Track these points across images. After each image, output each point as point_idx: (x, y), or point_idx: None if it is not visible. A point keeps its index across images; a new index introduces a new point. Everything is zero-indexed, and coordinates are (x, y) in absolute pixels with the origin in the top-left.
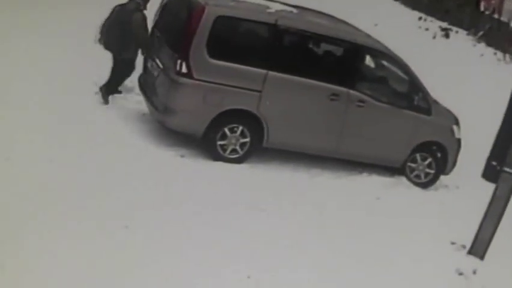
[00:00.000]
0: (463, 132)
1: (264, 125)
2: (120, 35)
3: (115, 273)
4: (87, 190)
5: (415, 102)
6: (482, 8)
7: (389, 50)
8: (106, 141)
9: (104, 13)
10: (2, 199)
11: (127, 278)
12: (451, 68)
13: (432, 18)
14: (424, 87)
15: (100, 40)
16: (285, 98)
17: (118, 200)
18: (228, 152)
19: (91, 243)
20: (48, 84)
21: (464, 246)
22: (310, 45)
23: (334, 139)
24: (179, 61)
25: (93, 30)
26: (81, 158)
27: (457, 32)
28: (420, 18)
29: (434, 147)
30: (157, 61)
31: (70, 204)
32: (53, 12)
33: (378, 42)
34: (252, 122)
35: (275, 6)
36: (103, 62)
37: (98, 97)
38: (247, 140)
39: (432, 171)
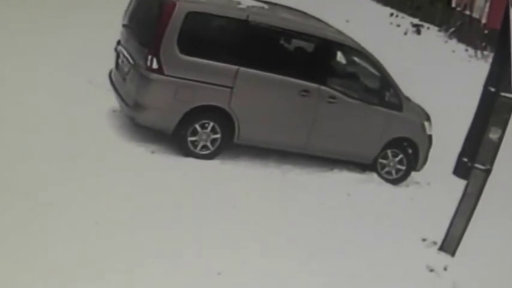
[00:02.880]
0: (434, 129)
1: (235, 121)
2: None
3: (86, 269)
4: (56, 185)
5: (386, 99)
6: (453, 4)
7: (361, 46)
8: (75, 137)
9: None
10: None
11: (97, 273)
12: (422, 64)
13: (404, 15)
14: (395, 84)
15: None
16: (256, 94)
17: (88, 195)
18: (198, 148)
19: (60, 239)
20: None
21: (435, 243)
22: (282, 41)
23: (305, 135)
24: (149, 57)
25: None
26: (51, 154)
27: (428, 28)
28: (391, 15)
29: (405, 144)
30: (128, 57)
31: (38, 200)
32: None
33: (349, 38)
34: (223, 118)
35: (246, 2)
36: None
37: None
38: (218, 136)
39: (403, 168)
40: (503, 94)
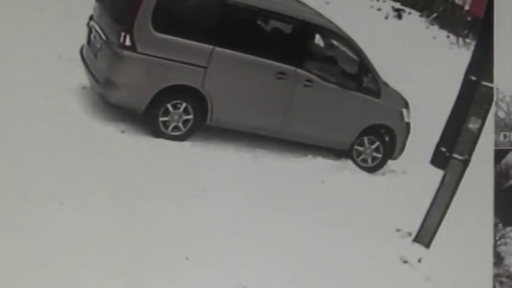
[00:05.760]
0: (413, 116)
1: (208, 103)
2: None
3: (50, 251)
4: (20, 165)
5: (364, 84)
6: None
7: (340, 29)
8: (42, 114)
9: None
10: None
11: (61, 257)
12: (403, 50)
13: None
14: (374, 69)
15: None
16: (230, 75)
17: (53, 175)
18: (170, 128)
19: (24, 220)
20: None
21: (409, 234)
22: (259, 22)
23: (280, 119)
24: (123, 33)
25: None
26: (15, 132)
27: (409, 13)
28: None
29: (383, 131)
30: (100, 32)
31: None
32: None
33: (328, 21)
34: (196, 98)
35: None
36: None
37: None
38: (191, 117)
39: (379, 156)
40: (484, 83)
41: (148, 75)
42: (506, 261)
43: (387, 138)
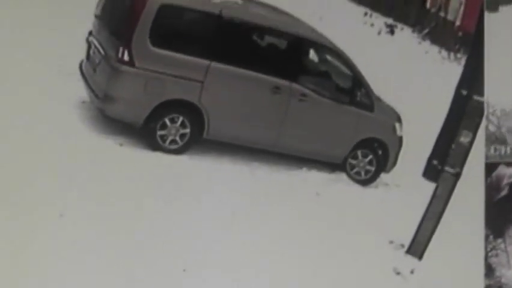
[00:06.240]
0: (405, 130)
1: (205, 116)
2: None
3: (49, 263)
4: (20, 178)
5: (358, 98)
6: (428, 5)
7: (333, 44)
8: (42, 128)
9: None
10: None
11: (61, 268)
12: (395, 65)
13: (378, 14)
14: (367, 84)
15: None
16: (227, 89)
17: (53, 187)
18: (167, 142)
19: (24, 232)
20: None
21: (402, 246)
22: (254, 37)
23: (275, 132)
24: (121, 48)
25: None
26: (15, 146)
27: (402, 29)
28: (365, 14)
29: (376, 144)
30: (99, 48)
31: (2, 193)
32: None
33: (322, 36)
34: (192, 112)
35: None
36: None
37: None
38: (187, 131)
39: (372, 169)
40: (475, 97)
41: (145, 89)
42: (498, 273)
43: (380, 152)
